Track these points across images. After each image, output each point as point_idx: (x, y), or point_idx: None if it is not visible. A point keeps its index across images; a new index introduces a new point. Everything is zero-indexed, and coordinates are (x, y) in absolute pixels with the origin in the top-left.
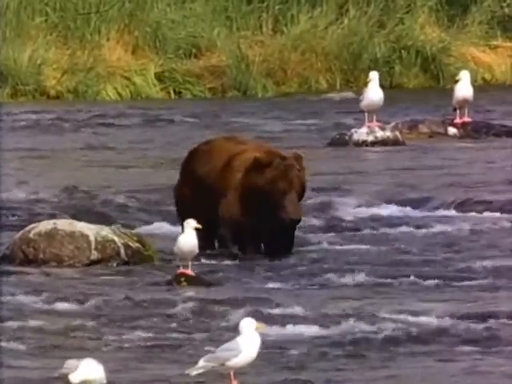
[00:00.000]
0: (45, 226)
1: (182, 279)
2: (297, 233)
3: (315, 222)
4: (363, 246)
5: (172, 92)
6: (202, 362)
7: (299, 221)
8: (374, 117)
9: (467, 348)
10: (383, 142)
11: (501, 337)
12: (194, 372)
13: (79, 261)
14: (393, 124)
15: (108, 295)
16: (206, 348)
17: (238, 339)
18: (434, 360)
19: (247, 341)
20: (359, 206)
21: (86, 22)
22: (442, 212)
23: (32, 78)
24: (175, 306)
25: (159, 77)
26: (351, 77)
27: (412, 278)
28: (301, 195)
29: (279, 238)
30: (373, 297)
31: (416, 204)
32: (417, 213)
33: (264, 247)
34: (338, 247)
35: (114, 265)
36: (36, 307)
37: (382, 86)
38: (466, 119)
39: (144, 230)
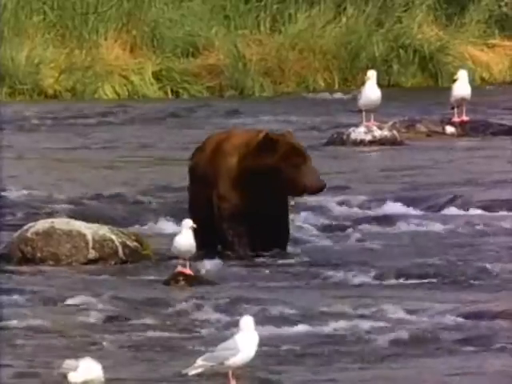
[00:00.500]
0: (42, 224)
1: (180, 278)
2: (294, 232)
3: (313, 221)
4: (361, 245)
5: (169, 91)
6: (199, 362)
7: (323, 188)
8: (372, 116)
9: (467, 348)
10: (381, 141)
11: (501, 336)
12: (191, 372)
13: (77, 260)
14: (391, 123)
15: (105, 294)
16: (205, 347)
17: (237, 338)
18: (434, 360)
19: (245, 339)
20: (357, 205)
21: (84, 21)
22: (439, 211)
23: (30, 77)
24: (173, 305)
25: (157, 76)
26: (349, 76)
27: (411, 277)
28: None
29: (276, 228)
30: (372, 296)
31: (414, 203)
32: (415, 212)
33: (260, 240)
34: (336, 246)
35: (112, 264)
36: (33, 306)
37: (379, 84)
38: (464, 118)
39: (142, 229)
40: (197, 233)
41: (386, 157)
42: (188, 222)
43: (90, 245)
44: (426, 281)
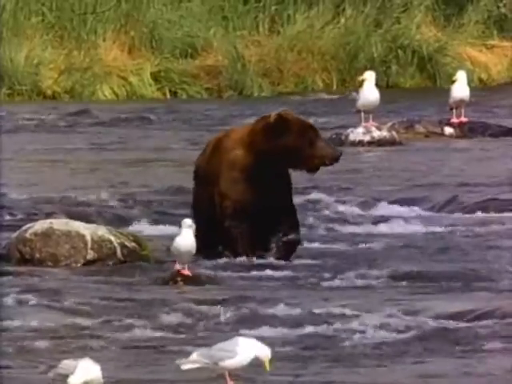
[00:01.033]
0: (41, 225)
1: (179, 279)
2: None
3: (312, 221)
4: (360, 246)
5: (168, 92)
6: (195, 356)
7: (340, 156)
8: (371, 117)
9: (467, 348)
10: (380, 142)
11: (501, 337)
12: (185, 365)
13: (75, 260)
14: (389, 124)
15: (104, 295)
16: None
17: (238, 340)
18: (434, 361)
19: (246, 344)
20: (355, 205)
21: (83, 22)
22: (438, 212)
23: (28, 78)
24: (172, 305)
25: (155, 77)
26: (348, 76)
27: (411, 277)
28: None
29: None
30: (372, 297)
31: (413, 204)
32: (413, 212)
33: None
34: (334, 247)
35: (111, 264)
36: (32, 307)
37: (378, 85)
38: (463, 119)
39: (140, 229)
40: (199, 233)
41: (384, 158)
42: (187, 222)
43: (89, 245)
44: (426, 281)
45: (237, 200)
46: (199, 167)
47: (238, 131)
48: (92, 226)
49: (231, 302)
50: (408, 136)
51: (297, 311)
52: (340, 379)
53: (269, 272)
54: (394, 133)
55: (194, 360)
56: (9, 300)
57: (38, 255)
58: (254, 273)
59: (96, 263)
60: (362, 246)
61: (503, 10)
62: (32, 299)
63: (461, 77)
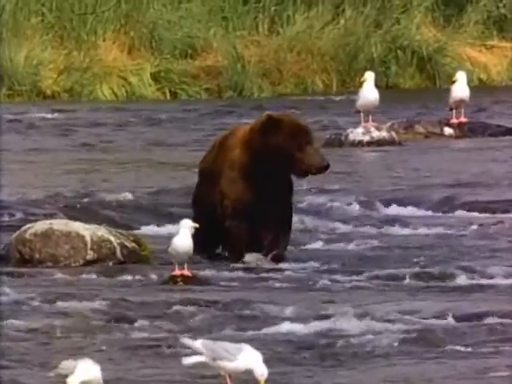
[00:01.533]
0: (41, 226)
1: (179, 279)
2: (292, 234)
3: (311, 222)
4: (359, 247)
5: (168, 92)
6: (198, 343)
7: (327, 168)
8: (370, 117)
9: (469, 349)
10: (379, 143)
11: (501, 337)
12: (187, 361)
13: (75, 261)
14: (389, 124)
15: (104, 295)
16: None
17: (244, 348)
18: (433, 362)
19: (250, 354)
20: (355, 206)
21: (82, 23)
22: (438, 212)
23: (28, 78)
24: (171, 306)
25: (155, 77)
26: (347, 77)
27: (411, 278)
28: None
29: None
30: (372, 297)
31: (412, 204)
32: (413, 213)
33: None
34: (334, 247)
35: (110, 265)
36: (32, 307)
37: (378, 86)
38: (463, 119)
39: (140, 230)
40: (200, 233)
41: (384, 158)
42: (186, 222)
43: (89, 246)
44: (427, 282)
45: (236, 199)
46: (204, 165)
47: (242, 129)
48: (92, 227)
49: (230, 302)
50: (407, 136)
51: (296, 312)
52: (338, 381)
53: (267, 273)
54: (393, 133)
55: (196, 347)
56: (8, 300)
57: (37, 256)
58: (253, 273)
59: (96, 264)
60: (361, 246)
61: (503, 11)
62: (31, 300)
63: (460, 77)
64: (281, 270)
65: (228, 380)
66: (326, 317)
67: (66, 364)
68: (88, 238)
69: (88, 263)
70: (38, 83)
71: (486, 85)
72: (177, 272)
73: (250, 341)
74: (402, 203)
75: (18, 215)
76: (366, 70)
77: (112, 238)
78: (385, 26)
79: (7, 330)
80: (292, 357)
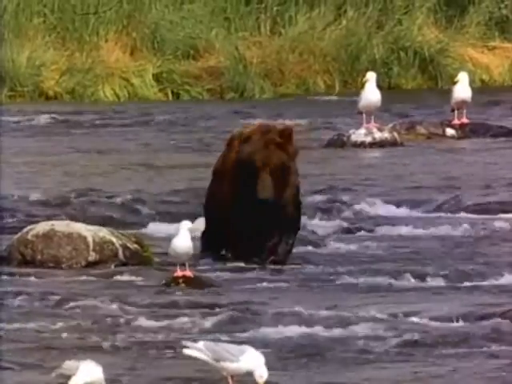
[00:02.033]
0: (42, 227)
1: (181, 280)
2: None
3: (314, 222)
4: (362, 247)
5: (170, 93)
6: (201, 345)
7: (267, 201)
8: (372, 118)
9: (470, 350)
10: (381, 143)
11: (502, 338)
12: (188, 351)
13: (77, 262)
14: (391, 125)
15: (106, 296)
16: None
17: (245, 348)
18: (435, 362)
19: (252, 355)
20: (357, 206)
21: (85, 24)
22: (440, 213)
23: (30, 79)
24: (173, 307)
25: (157, 78)
26: (349, 78)
27: (412, 278)
28: (283, 171)
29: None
30: (372, 297)
31: (414, 205)
32: (415, 213)
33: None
34: (336, 248)
35: (112, 266)
36: (33, 308)
37: (379, 87)
38: (464, 120)
39: (142, 231)
40: (208, 232)
41: (386, 159)
42: (186, 224)
43: (91, 247)
44: (428, 282)
45: (244, 200)
46: (217, 164)
47: (247, 129)
48: (94, 228)
49: (233, 303)
50: (409, 137)
51: (299, 313)
52: (342, 381)
53: (270, 274)
54: (395, 134)
55: (199, 348)
56: (10, 302)
57: (39, 257)
58: (256, 274)
59: (98, 265)
60: (362, 246)
61: (505, 12)
62: (33, 301)
63: (462, 78)
64: (283, 271)
65: (230, 381)
66: (328, 318)
67: (68, 364)
68: (90, 239)
69: (90, 264)
70: (40, 84)
71: (488, 86)
72: (179, 273)
73: (252, 341)
74: (404, 204)
75: (20, 216)
76: (367, 70)
77: (114, 240)
78: (387, 27)
79: (9, 330)
80: (294, 357)
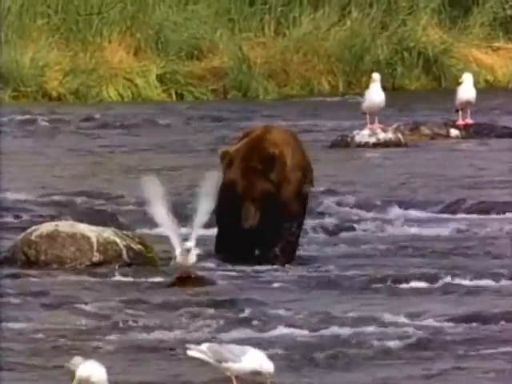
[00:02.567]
0: (46, 227)
1: (185, 281)
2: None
3: (317, 223)
4: (364, 248)
5: (174, 94)
6: (204, 347)
7: (250, 228)
8: (376, 118)
9: (474, 350)
10: (385, 144)
11: (503, 339)
12: (191, 353)
13: (81, 262)
14: (395, 126)
15: (110, 297)
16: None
17: (247, 349)
18: (438, 363)
19: (255, 356)
20: (361, 207)
21: (88, 24)
22: (444, 213)
23: (34, 80)
24: (177, 307)
25: (161, 78)
26: (353, 78)
27: (415, 279)
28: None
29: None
30: (373, 298)
31: (418, 205)
32: (419, 214)
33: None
34: (338, 248)
35: (116, 267)
36: (37, 309)
37: (384, 87)
38: (469, 121)
39: (146, 231)
40: (220, 234)
41: (390, 160)
42: (187, 245)
43: (95, 247)
44: (429, 283)
45: (254, 202)
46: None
47: (233, 148)
48: (97, 228)
49: (236, 304)
50: (413, 138)
51: (301, 313)
52: (340, 381)
53: (273, 274)
54: (399, 135)
55: (202, 351)
56: (14, 302)
57: (43, 257)
58: (259, 275)
59: (102, 265)
60: (366, 247)
61: (509, 12)
62: (37, 301)
63: (466, 79)
64: (286, 272)
65: (234, 382)
66: (330, 318)
67: (77, 360)
68: (94, 240)
69: (94, 265)
70: (44, 85)
71: (492, 86)
72: (182, 274)
73: (254, 342)
74: (407, 204)
75: (24, 217)
76: (372, 71)
77: (118, 240)
78: (391, 28)
79: (12, 331)
80: (295, 358)
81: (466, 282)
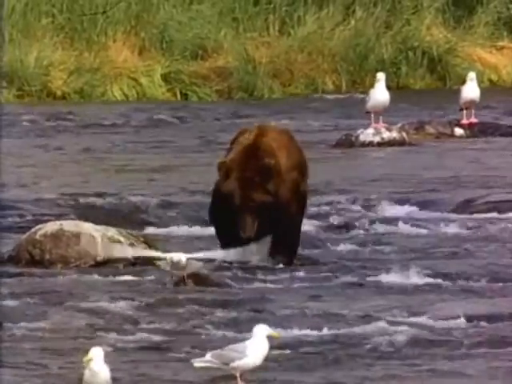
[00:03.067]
0: (51, 226)
1: (189, 280)
2: (302, 234)
3: (320, 222)
4: (368, 247)
5: (178, 93)
6: (208, 357)
7: (247, 238)
8: (381, 118)
9: (474, 351)
10: (389, 143)
11: (504, 339)
12: (198, 364)
13: (85, 262)
14: (399, 125)
15: (114, 296)
16: (214, 349)
17: (247, 343)
18: (436, 363)
19: (255, 346)
20: (365, 206)
21: (93, 24)
22: (449, 212)
23: (38, 79)
24: (181, 306)
25: (165, 78)
26: (358, 78)
27: (416, 279)
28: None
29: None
30: (374, 298)
31: (422, 205)
32: (423, 213)
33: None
34: (342, 247)
35: (121, 266)
36: (41, 308)
37: (388, 87)
38: (473, 120)
39: (150, 231)
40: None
41: (394, 158)
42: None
43: (99, 247)
44: (430, 283)
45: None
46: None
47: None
48: (102, 228)
49: (241, 303)
50: (418, 137)
51: (304, 312)
52: (349, 382)
53: (276, 274)
54: (403, 134)
55: (208, 360)
56: (18, 301)
57: (47, 256)
58: (263, 274)
59: (106, 265)
60: (370, 246)
61: None
62: (41, 300)
63: (471, 78)
64: (288, 272)
65: (239, 381)
66: (333, 318)
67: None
68: (98, 239)
69: (98, 264)
70: (48, 84)
71: (496, 85)
72: (187, 273)
73: None
74: (412, 203)
75: (28, 216)
76: (376, 70)
77: (122, 239)
78: (395, 27)
79: (16, 330)
80: (297, 358)
81: (467, 281)
